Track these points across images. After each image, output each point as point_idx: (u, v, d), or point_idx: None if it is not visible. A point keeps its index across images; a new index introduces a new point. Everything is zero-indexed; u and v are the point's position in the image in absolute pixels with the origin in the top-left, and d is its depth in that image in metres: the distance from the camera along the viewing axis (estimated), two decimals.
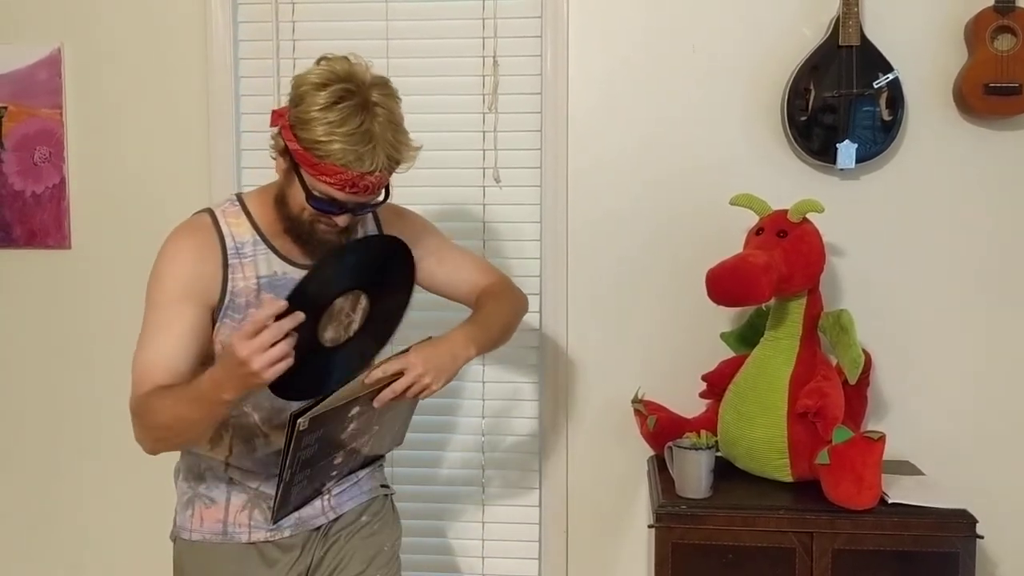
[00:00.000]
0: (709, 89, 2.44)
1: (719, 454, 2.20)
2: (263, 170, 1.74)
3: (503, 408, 2.59)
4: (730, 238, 2.29)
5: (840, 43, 2.31)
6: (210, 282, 1.67)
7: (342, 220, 1.67)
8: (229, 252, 1.70)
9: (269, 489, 1.76)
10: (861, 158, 2.33)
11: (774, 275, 2.08)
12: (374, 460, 1.94)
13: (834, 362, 2.20)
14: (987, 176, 2.38)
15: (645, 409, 2.34)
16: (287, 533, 1.82)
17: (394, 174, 1.66)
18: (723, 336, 2.39)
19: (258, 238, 1.72)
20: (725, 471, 2.18)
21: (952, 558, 1.97)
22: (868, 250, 2.41)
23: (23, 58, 2.65)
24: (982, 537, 1.97)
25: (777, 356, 2.18)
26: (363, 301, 1.75)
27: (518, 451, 2.60)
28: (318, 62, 1.63)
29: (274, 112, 1.67)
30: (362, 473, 1.92)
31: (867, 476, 1.98)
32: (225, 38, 2.56)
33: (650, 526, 2.08)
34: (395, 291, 1.75)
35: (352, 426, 1.69)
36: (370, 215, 1.84)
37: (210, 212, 1.75)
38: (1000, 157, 2.37)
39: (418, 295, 1.82)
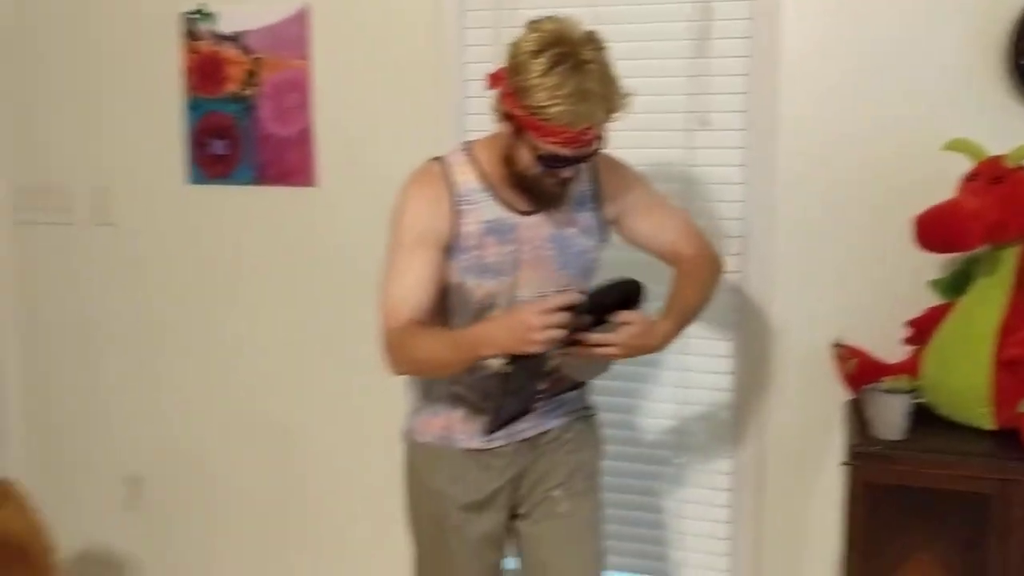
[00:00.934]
0: (926, 27, 2.34)
1: (921, 400, 2.19)
2: (485, 116, 1.92)
3: (697, 346, 2.64)
4: (943, 184, 2.23)
5: None
6: (442, 227, 1.87)
7: (567, 172, 1.82)
8: (457, 200, 1.88)
9: (485, 405, 1.96)
10: None
11: (985, 221, 2.04)
12: (579, 385, 2.10)
13: None
14: None
15: (846, 353, 2.36)
16: (499, 443, 2.02)
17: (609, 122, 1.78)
18: (933, 283, 2.35)
19: (484, 187, 1.90)
20: (926, 417, 2.16)
21: None
22: None
23: (276, 14, 2.91)
24: None
25: (986, 304, 2.13)
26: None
27: (714, 388, 2.66)
28: (527, 27, 1.75)
29: (491, 75, 1.80)
30: (568, 396, 2.08)
31: None
32: None
33: (843, 463, 2.12)
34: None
35: (555, 362, 1.86)
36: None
37: (441, 161, 1.93)
38: None
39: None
